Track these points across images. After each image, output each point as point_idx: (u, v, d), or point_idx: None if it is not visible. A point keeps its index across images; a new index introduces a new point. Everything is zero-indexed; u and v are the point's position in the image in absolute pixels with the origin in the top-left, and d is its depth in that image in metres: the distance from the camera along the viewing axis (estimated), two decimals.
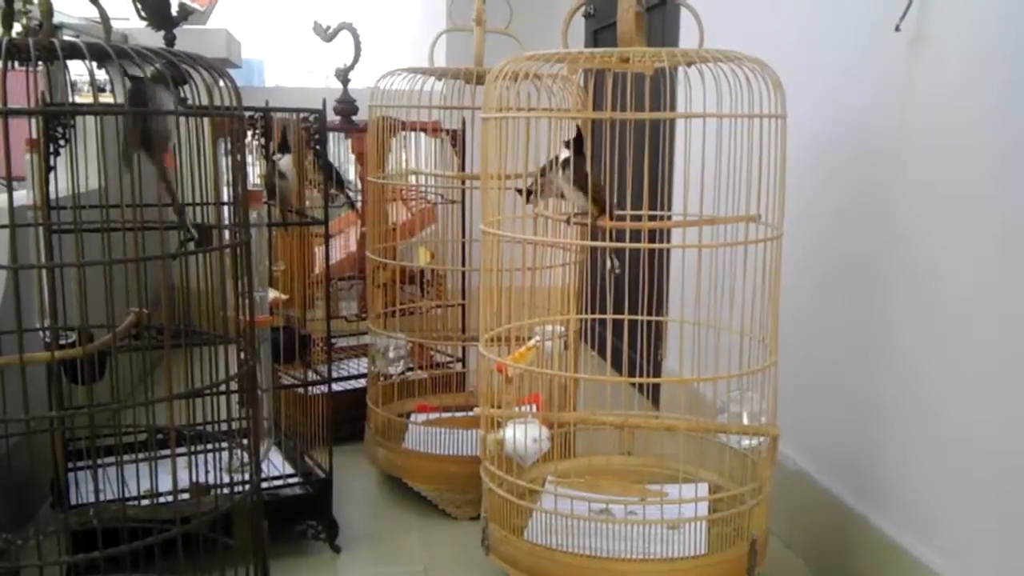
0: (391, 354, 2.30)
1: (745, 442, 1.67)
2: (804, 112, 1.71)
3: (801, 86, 1.69)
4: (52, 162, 1.70)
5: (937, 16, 1.53)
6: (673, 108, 1.81)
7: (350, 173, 3.17)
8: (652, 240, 1.71)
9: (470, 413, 2.28)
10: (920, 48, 1.57)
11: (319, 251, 2.74)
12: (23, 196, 1.75)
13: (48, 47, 1.27)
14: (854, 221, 1.78)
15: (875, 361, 1.71)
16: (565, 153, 1.67)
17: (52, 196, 1.67)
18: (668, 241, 1.83)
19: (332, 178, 2.61)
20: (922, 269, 1.58)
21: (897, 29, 1.57)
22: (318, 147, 2.00)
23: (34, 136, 1.66)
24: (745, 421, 1.66)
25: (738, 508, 1.65)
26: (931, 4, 1.53)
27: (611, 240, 1.63)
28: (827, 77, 1.85)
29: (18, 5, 1.38)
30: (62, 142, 1.72)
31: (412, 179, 2.63)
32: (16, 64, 1.29)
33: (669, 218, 1.89)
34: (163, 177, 1.37)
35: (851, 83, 1.78)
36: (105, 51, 1.28)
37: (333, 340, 2.23)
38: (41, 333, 1.68)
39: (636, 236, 1.70)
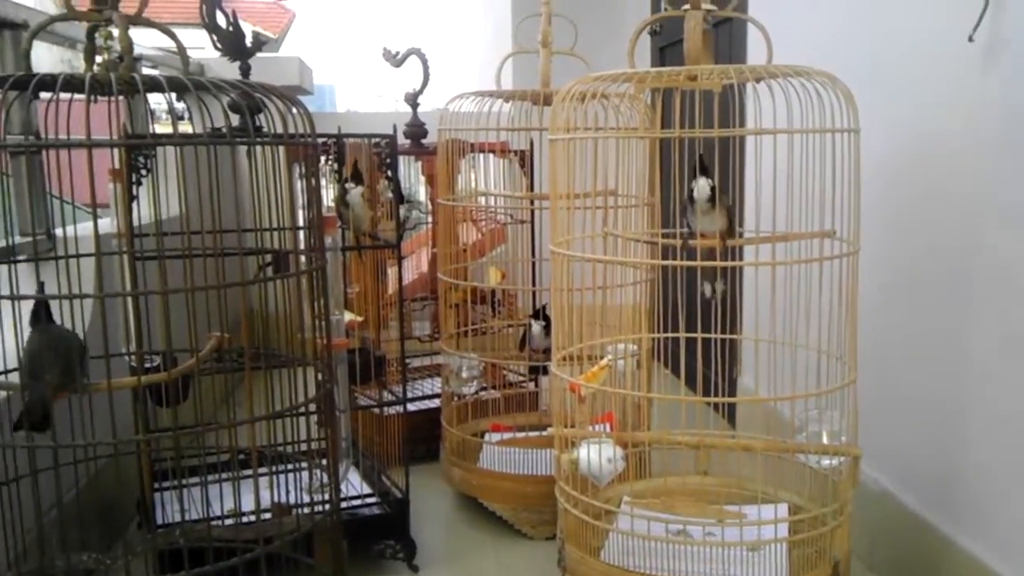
0: (464, 374, 2.31)
1: (825, 462, 1.64)
2: (876, 125, 1.68)
3: (872, 99, 1.67)
4: (135, 191, 1.75)
5: (1011, 25, 1.49)
6: (743, 125, 1.80)
7: (420, 195, 3.20)
8: (724, 258, 1.69)
9: (544, 433, 2.28)
10: (994, 57, 1.53)
11: (391, 272, 2.77)
12: (107, 224, 1.81)
13: (129, 81, 1.31)
14: (933, 235, 1.74)
15: (959, 377, 1.66)
16: (708, 187, 1.59)
17: (135, 224, 1.73)
18: (741, 259, 1.81)
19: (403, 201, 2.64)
20: (1005, 284, 1.54)
21: (970, 39, 1.54)
22: (389, 172, 2.03)
23: (117, 167, 1.72)
24: (825, 440, 1.63)
25: (819, 529, 1.62)
26: (1005, 12, 1.50)
27: (683, 259, 1.62)
28: (899, 89, 1.82)
29: (99, 41, 1.43)
30: (144, 172, 1.78)
31: (482, 200, 2.65)
32: (98, 97, 1.34)
33: (742, 235, 1.87)
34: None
35: (924, 95, 1.75)
36: (183, 84, 1.32)
37: (407, 360, 2.25)
38: (127, 358, 1.73)
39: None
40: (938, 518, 1.73)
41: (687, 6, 1.64)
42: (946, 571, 1.68)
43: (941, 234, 1.72)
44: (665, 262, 1.66)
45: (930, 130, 1.74)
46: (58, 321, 1.34)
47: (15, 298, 1.28)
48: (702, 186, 1.59)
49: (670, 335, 1.93)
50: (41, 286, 1.35)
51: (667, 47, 3.50)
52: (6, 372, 1.45)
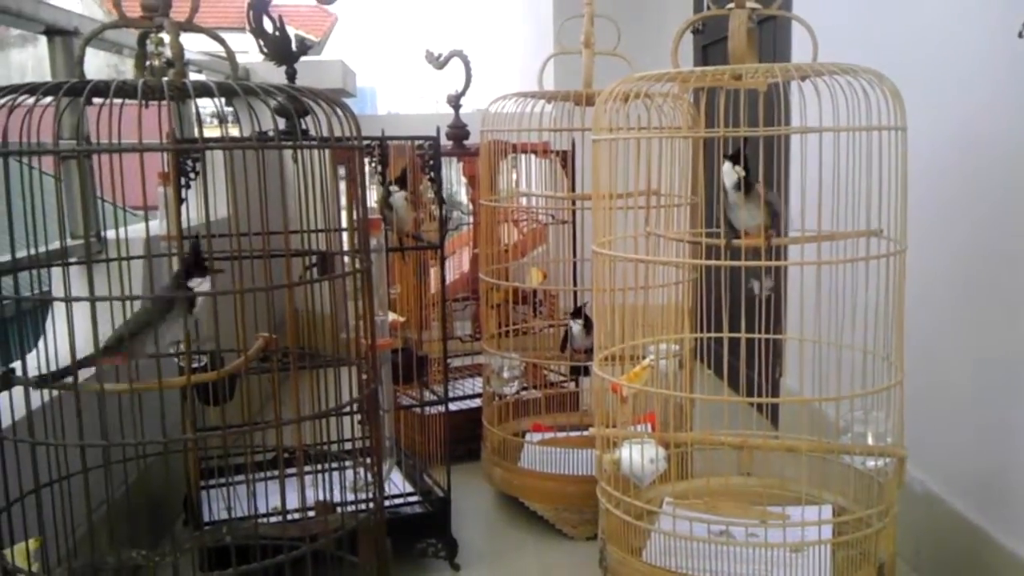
0: (505, 374, 2.32)
1: (871, 463, 1.62)
2: (924, 123, 1.66)
3: (920, 96, 1.65)
4: (184, 195, 1.78)
5: None
6: (788, 123, 1.78)
7: (462, 196, 3.22)
8: (769, 257, 1.68)
9: (585, 432, 2.28)
10: None
11: (433, 272, 2.79)
12: (156, 226, 1.84)
13: (181, 87, 1.34)
14: (981, 234, 1.72)
15: (1007, 378, 1.64)
16: (734, 172, 1.59)
17: (184, 227, 1.76)
18: (786, 258, 1.80)
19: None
20: None
21: (1020, 35, 1.52)
22: (432, 174, 2.05)
23: (165, 170, 1.75)
24: (870, 441, 1.61)
25: (864, 531, 1.60)
26: None
27: (726, 259, 1.61)
28: (946, 86, 1.80)
29: (150, 47, 1.45)
30: (192, 175, 1.80)
31: (523, 201, 2.66)
32: (148, 102, 1.37)
33: (786, 234, 1.85)
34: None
35: (972, 91, 1.73)
36: (233, 89, 1.34)
37: (448, 360, 2.26)
38: (175, 358, 1.76)
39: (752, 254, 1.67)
40: (985, 520, 1.71)
41: (731, 4, 1.63)
42: (993, 574, 1.66)
43: (989, 233, 1.70)
44: (708, 262, 1.65)
45: (978, 127, 1.72)
46: (109, 322, 1.36)
47: (68, 300, 1.31)
48: (727, 170, 1.58)
49: (713, 335, 1.92)
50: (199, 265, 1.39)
51: (710, 45, 3.48)
52: (61, 372, 1.47)
